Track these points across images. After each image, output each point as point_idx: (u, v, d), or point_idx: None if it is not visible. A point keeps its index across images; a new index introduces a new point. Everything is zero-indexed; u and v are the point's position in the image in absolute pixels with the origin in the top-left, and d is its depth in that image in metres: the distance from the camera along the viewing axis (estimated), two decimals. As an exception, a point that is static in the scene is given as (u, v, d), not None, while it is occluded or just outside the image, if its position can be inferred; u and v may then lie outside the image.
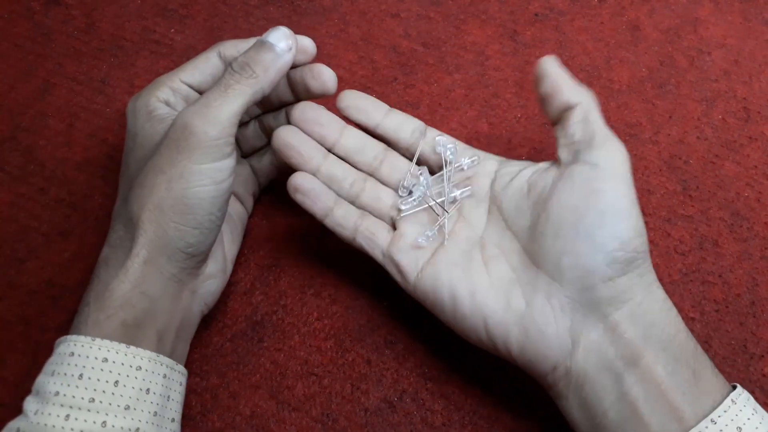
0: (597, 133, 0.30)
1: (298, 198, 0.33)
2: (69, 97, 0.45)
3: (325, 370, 0.35)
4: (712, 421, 0.25)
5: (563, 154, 0.31)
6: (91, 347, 0.27)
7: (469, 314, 0.30)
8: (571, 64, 0.46)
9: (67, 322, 0.36)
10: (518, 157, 0.42)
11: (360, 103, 0.35)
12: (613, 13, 0.49)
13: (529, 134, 0.43)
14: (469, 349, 0.35)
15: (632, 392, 0.26)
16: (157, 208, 0.29)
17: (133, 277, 0.29)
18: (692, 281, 0.38)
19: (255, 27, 0.48)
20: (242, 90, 0.30)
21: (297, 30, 0.48)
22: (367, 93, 0.40)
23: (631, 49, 0.47)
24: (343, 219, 0.33)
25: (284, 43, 0.32)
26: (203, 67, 0.34)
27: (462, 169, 0.34)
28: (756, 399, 0.27)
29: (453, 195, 0.33)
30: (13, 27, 0.48)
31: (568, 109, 0.30)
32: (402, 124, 0.35)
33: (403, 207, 0.33)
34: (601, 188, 0.28)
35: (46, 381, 0.27)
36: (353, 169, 0.34)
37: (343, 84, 0.40)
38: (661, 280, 0.37)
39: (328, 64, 0.46)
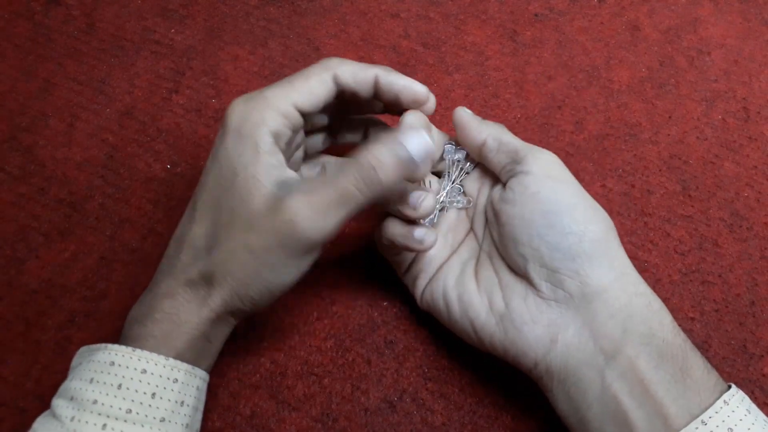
0: (518, 149, 0.31)
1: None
2: (69, 97, 0.45)
3: (325, 370, 0.35)
4: (702, 422, 0.25)
5: (502, 178, 0.32)
6: (131, 357, 0.27)
7: (459, 318, 0.32)
8: (570, 64, 0.46)
9: (67, 322, 0.36)
10: (518, 157, 0.42)
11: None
12: (613, 13, 0.49)
13: (528, 134, 0.43)
14: (469, 349, 0.35)
15: (614, 387, 0.27)
16: (241, 283, 0.29)
17: (204, 328, 0.29)
18: (692, 281, 0.38)
19: (255, 27, 0.48)
20: (361, 199, 0.28)
21: (297, 30, 0.48)
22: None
23: (631, 49, 0.47)
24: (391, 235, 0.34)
25: (423, 157, 0.28)
26: (318, 91, 0.30)
27: (467, 173, 0.35)
28: (755, 399, 0.27)
29: (449, 197, 0.35)
30: (13, 27, 0.48)
31: (480, 145, 0.32)
32: (439, 145, 0.35)
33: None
34: (538, 191, 0.30)
35: (83, 388, 0.27)
36: None
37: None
38: (661, 280, 0.38)
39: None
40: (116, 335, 0.36)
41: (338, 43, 0.47)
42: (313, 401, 0.34)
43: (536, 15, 0.49)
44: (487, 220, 0.33)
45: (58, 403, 0.27)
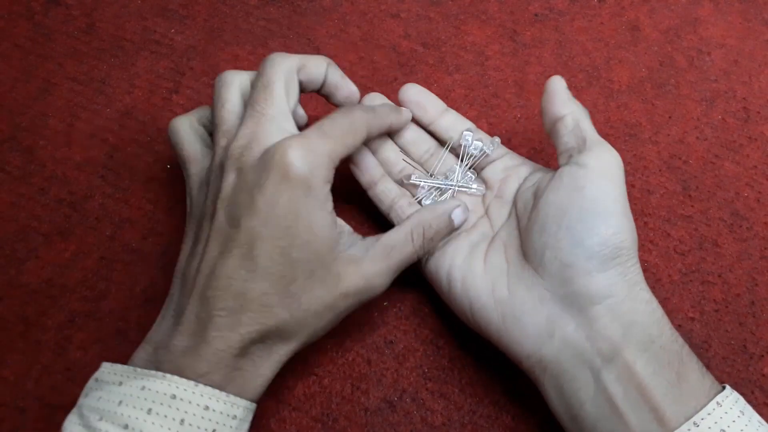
0: (588, 139, 0.31)
1: (351, 167, 0.36)
2: (69, 97, 0.45)
3: (325, 370, 0.35)
4: (694, 423, 0.25)
5: (560, 161, 0.32)
6: (194, 393, 0.26)
7: (458, 296, 0.32)
8: (571, 64, 0.46)
9: (67, 322, 0.36)
10: (518, 157, 0.42)
11: (421, 99, 0.37)
12: (613, 13, 0.49)
13: (528, 134, 0.43)
14: (469, 349, 0.35)
15: (610, 389, 0.27)
16: (312, 335, 0.31)
17: (270, 375, 0.30)
18: (692, 281, 0.38)
19: (255, 27, 0.48)
20: (417, 257, 0.33)
21: (297, 30, 0.48)
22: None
23: (630, 49, 0.47)
24: (383, 194, 0.36)
25: (461, 224, 0.34)
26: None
27: (487, 155, 0.36)
28: (755, 399, 0.27)
29: (466, 181, 0.36)
30: (13, 27, 0.48)
31: (558, 120, 0.32)
32: (454, 124, 0.37)
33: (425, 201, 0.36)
34: (584, 186, 0.30)
35: (141, 418, 0.26)
36: (406, 157, 0.37)
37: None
38: (661, 280, 0.38)
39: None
40: (116, 335, 0.36)
41: (338, 43, 0.47)
42: (313, 401, 0.34)
43: (536, 15, 0.49)
44: (515, 207, 0.34)
45: (108, 428, 0.25)
